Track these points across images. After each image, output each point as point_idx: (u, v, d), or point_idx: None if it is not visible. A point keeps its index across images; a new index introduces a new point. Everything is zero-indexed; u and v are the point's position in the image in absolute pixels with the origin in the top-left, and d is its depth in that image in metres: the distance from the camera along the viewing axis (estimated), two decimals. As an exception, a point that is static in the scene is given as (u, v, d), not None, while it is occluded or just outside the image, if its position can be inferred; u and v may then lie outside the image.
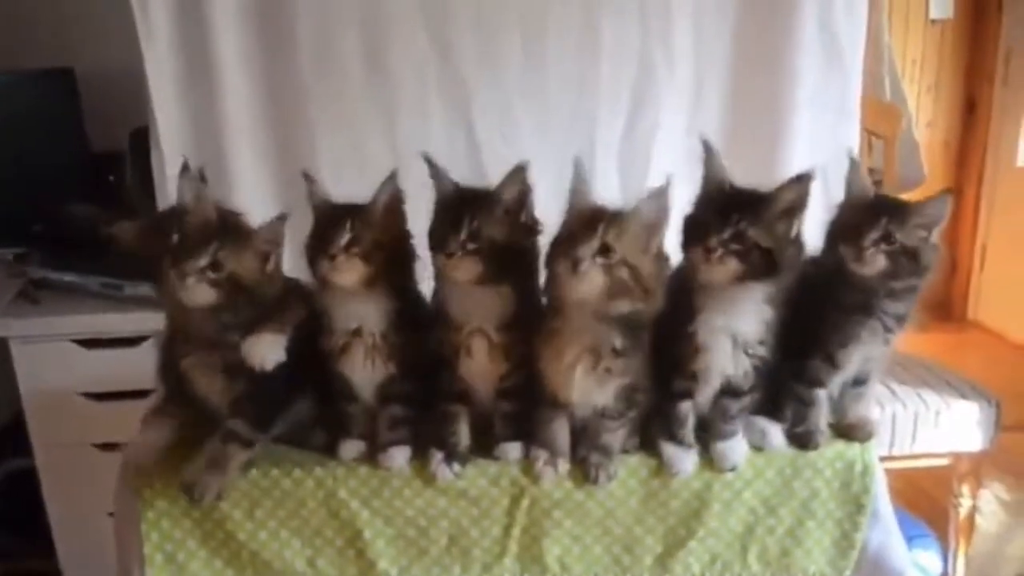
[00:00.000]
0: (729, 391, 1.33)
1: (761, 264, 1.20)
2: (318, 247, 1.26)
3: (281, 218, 1.29)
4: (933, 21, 4.09)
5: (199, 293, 1.22)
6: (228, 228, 1.28)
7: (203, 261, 1.21)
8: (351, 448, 1.38)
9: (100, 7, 2.28)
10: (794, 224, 1.22)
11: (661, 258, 1.22)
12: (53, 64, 2.56)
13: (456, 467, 1.35)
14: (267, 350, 1.27)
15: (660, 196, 1.18)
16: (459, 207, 1.25)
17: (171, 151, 1.85)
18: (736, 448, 1.37)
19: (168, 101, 1.84)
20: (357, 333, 1.32)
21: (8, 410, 2.27)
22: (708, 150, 1.26)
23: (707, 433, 1.37)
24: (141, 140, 1.93)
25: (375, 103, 1.90)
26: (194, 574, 1.37)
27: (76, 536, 2.25)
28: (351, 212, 1.28)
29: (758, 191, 1.23)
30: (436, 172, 1.30)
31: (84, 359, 2.16)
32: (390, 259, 1.28)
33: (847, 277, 1.29)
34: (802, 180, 1.20)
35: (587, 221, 1.19)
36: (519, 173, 1.28)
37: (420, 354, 1.35)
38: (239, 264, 1.25)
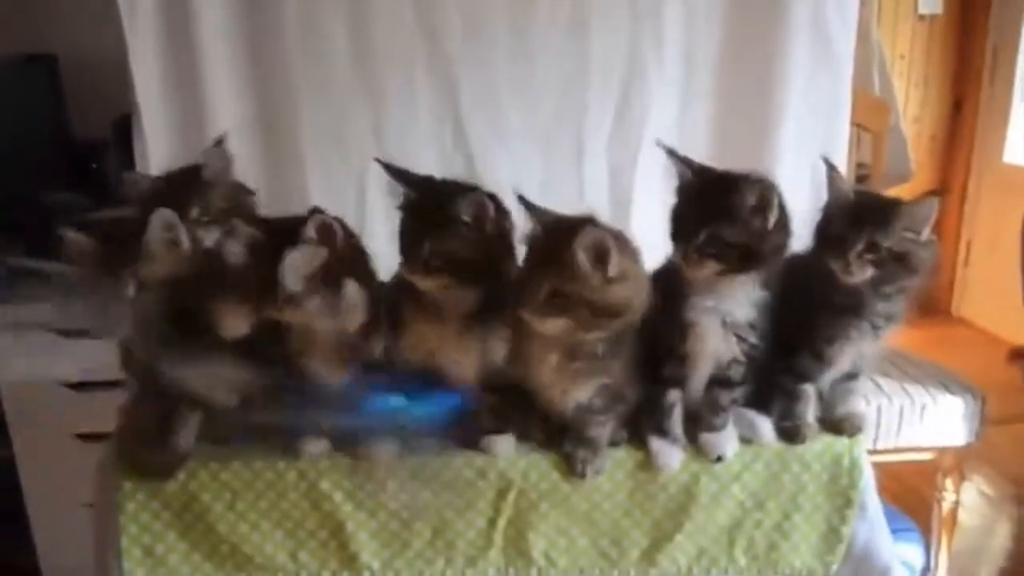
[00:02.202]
0: (719, 381, 1.33)
1: (739, 260, 1.22)
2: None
3: None
4: (922, 16, 4.10)
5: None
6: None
7: None
8: (314, 445, 1.35)
9: (84, -7, 2.25)
10: (768, 217, 1.22)
11: (629, 275, 1.21)
12: (36, 50, 2.52)
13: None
14: None
15: (596, 230, 1.17)
16: (418, 225, 1.25)
17: (154, 139, 1.83)
18: (724, 439, 1.36)
19: (152, 89, 1.82)
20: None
21: (-14, 400, 2.24)
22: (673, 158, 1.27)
23: (696, 425, 1.36)
24: (124, 128, 1.90)
25: (361, 90, 1.88)
26: (173, 568, 1.35)
27: (54, 526, 2.23)
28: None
29: (725, 192, 1.23)
30: (398, 178, 1.28)
31: (65, 348, 2.13)
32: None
33: (835, 281, 1.28)
34: (760, 181, 1.22)
35: (537, 264, 1.18)
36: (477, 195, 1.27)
37: (389, 346, 1.32)
38: None
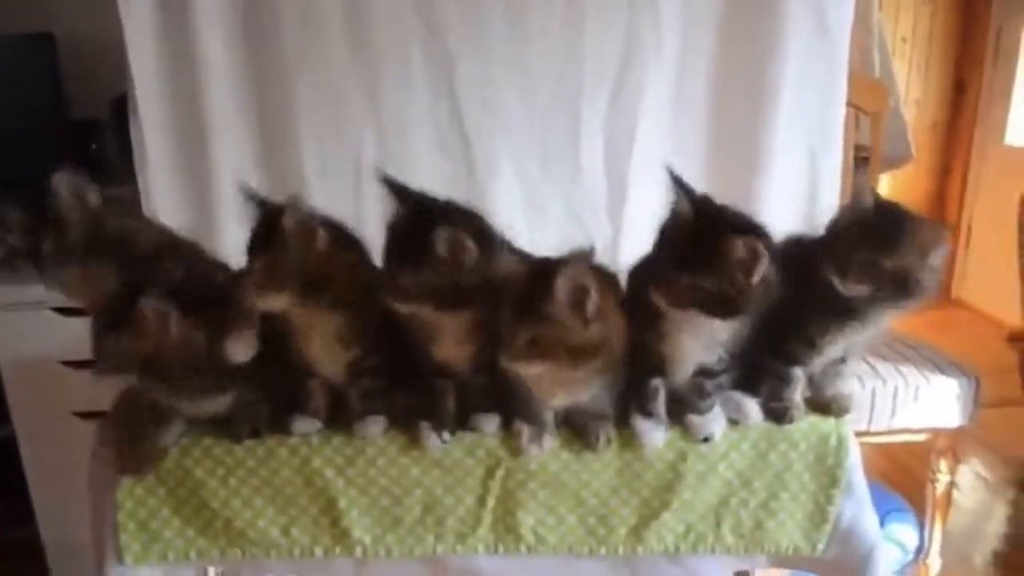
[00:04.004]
0: (703, 372, 1.33)
1: (721, 306, 1.19)
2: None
3: None
4: (924, -1, 4.08)
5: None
6: None
7: None
8: (305, 424, 1.36)
9: (81, -29, 2.25)
10: (754, 274, 1.17)
11: (607, 313, 1.19)
12: (33, 29, 2.52)
13: (446, 435, 1.34)
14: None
15: (573, 273, 1.14)
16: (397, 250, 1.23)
17: (150, 119, 1.83)
18: (711, 420, 1.37)
19: (147, 68, 1.81)
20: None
21: (-13, 378, 2.26)
22: (677, 181, 1.22)
23: (682, 407, 1.37)
24: (122, 107, 1.90)
25: (358, 72, 1.87)
26: (167, 541, 1.37)
27: (56, 504, 2.25)
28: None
29: (715, 239, 1.16)
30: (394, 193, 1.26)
31: (63, 327, 2.14)
32: None
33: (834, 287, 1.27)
34: (754, 235, 1.16)
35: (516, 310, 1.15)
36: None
37: (384, 329, 1.32)
38: None
